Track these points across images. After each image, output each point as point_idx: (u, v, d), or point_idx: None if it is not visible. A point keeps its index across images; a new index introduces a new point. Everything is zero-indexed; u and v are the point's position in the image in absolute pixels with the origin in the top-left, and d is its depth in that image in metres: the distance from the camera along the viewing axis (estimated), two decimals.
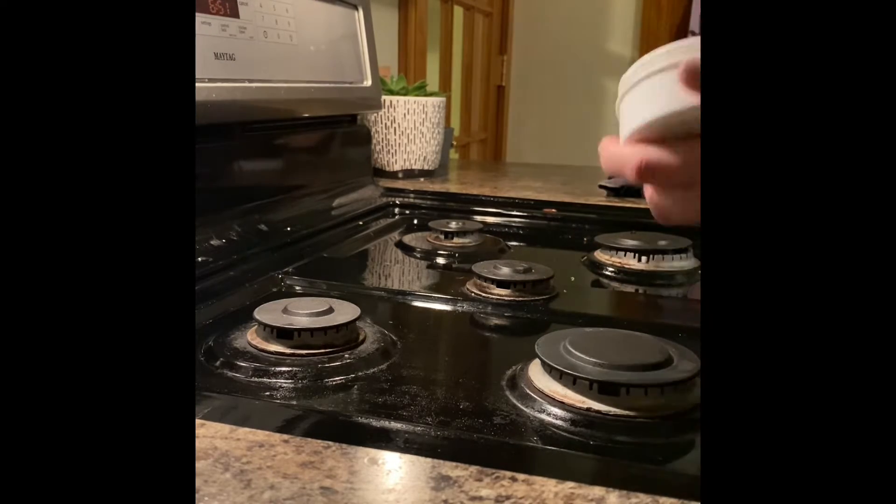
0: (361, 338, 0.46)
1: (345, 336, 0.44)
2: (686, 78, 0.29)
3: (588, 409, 0.36)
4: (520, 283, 0.56)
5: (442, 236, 0.76)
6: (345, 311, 0.45)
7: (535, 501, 0.28)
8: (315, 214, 0.80)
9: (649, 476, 0.31)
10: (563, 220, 0.92)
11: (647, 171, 0.32)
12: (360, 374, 0.41)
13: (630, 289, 0.67)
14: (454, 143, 1.62)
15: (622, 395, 0.36)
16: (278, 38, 0.74)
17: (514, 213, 0.94)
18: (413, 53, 1.52)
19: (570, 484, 0.29)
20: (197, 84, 0.60)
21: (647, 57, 0.32)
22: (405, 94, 1.09)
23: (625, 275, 0.68)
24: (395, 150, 1.08)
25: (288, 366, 0.41)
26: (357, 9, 0.92)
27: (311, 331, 0.43)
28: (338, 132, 0.91)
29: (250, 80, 0.68)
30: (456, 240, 0.76)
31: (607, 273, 0.69)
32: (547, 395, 0.37)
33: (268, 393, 0.39)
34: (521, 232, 0.92)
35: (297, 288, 0.59)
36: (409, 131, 1.07)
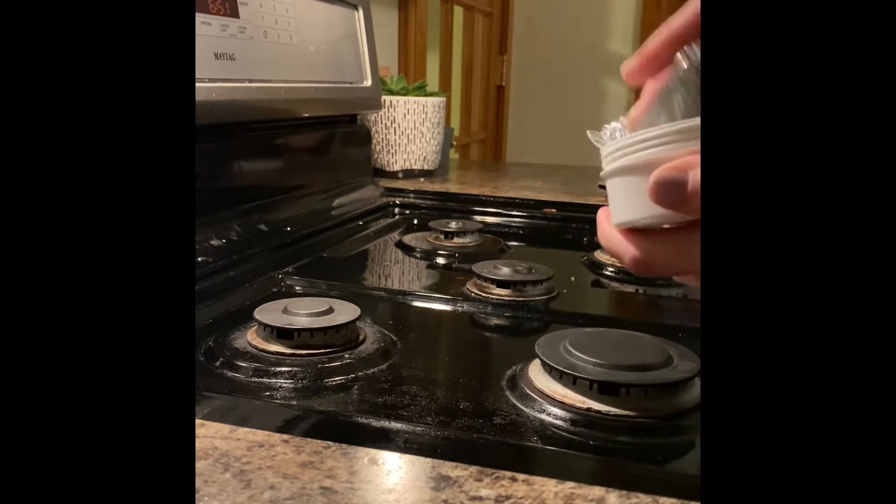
0: (361, 338, 0.46)
1: (345, 336, 0.44)
2: (652, 192, 0.27)
3: (588, 410, 0.36)
4: (520, 283, 0.56)
5: (442, 236, 0.76)
6: (345, 311, 0.45)
7: (535, 501, 0.28)
8: (315, 214, 0.80)
9: (649, 476, 0.31)
10: (563, 220, 0.92)
11: (644, 268, 0.30)
12: (360, 374, 0.41)
13: (630, 289, 0.67)
14: (454, 143, 1.62)
15: (622, 395, 0.36)
16: (278, 38, 0.74)
17: (514, 213, 0.94)
18: (413, 53, 1.52)
19: (570, 484, 0.29)
20: (197, 84, 0.60)
21: (624, 140, 0.29)
22: (405, 94, 1.09)
23: (625, 275, 0.68)
24: (395, 150, 1.08)
25: (288, 366, 0.41)
26: (357, 9, 0.92)
27: (311, 331, 0.43)
28: (338, 132, 0.91)
29: (250, 80, 0.68)
30: (456, 240, 0.76)
31: (607, 273, 0.69)
32: (547, 396, 0.37)
33: (268, 393, 0.39)
34: (521, 232, 0.92)
35: (297, 288, 0.59)
36: (409, 131, 1.08)
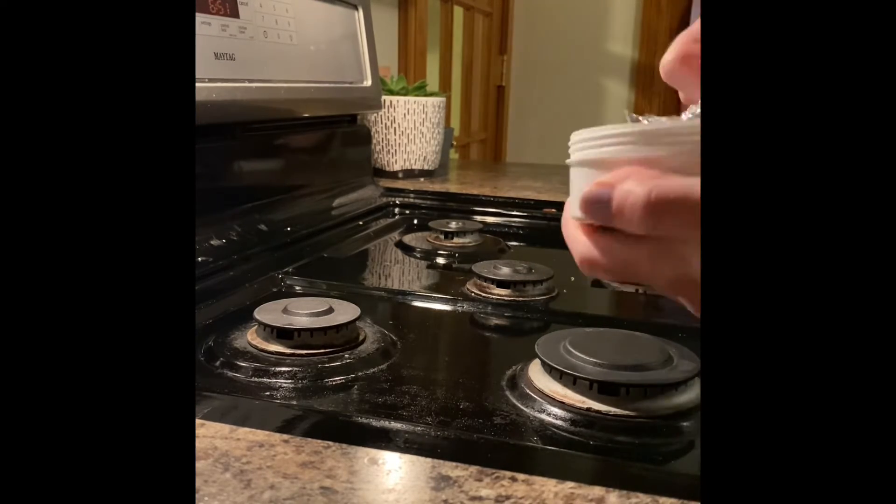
0: (361, 338, 0.46)
1: (345, 336, 0.44)
2: (580, 206, 0.26)
3: (588, 409, 0.36)
4: (520, 283, 0.56)
5: (442, 236, 0.76)
6: (345, 311, 0.45)
7: (535, 501, 0.28)
8: (315, 214, 0.80)
9: (649, 476, 0.31)
10: None
11: (586, 267, 0.29)
12: (360, 374, 0.41)
13: (630, 289, 0.67)
14: (454, 143, 1.62)
15: (622, 395, 0.36)
16: (278, 38, 0.74)
17: (514, 213, 0.94)
18: (413, 53, 1.52)
19: (570, 484, 0.29)
20: (197, 84, 0.60)
21: (591, 132, 0.27)
22: (405, 94, 1.09)
23: None
24: (395, 150, 1.08)
25: (288, 366, 0.41)
26: (357, 9, 0.92)
27: (311, 331, 0.43)
28: (338, 132, 0.91)
29: (250, 80, 0.68)
30: (456, 240, 0.76)
31: None
32: (547, 395, 0.37)
33: (268, 393, 0.39)
34: (521, 232, 0.92)
35: (297, 288, 0.59)
36: (409, 131, 1.08)
